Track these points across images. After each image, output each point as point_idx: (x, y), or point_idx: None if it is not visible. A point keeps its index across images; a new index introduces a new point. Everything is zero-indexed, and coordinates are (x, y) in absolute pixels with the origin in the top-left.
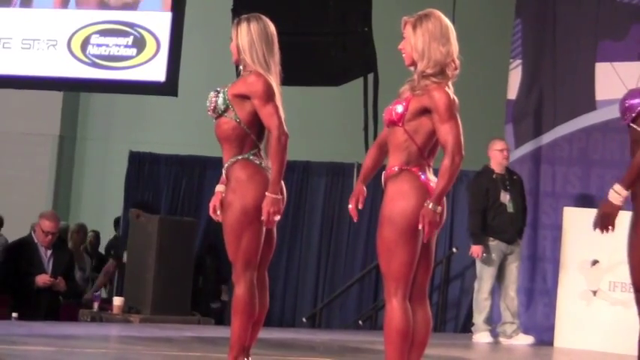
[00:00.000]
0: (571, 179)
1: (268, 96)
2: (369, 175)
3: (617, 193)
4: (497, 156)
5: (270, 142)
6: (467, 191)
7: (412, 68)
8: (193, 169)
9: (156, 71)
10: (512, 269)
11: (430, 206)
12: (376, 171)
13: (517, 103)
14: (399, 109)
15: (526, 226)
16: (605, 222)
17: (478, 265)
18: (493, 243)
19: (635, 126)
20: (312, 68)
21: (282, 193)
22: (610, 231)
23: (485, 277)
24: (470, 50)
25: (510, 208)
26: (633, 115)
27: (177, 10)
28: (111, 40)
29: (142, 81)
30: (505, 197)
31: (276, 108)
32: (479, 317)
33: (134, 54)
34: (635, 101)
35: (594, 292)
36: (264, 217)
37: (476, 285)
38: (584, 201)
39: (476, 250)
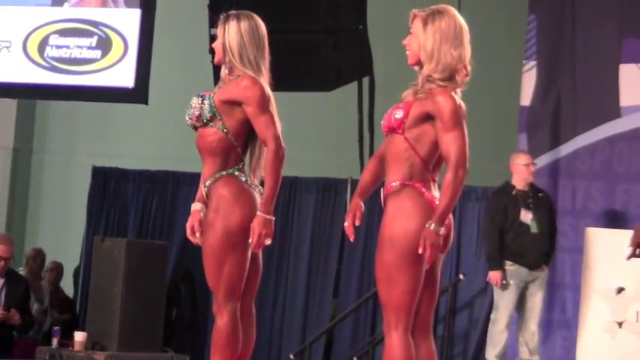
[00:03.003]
0: (593, 195)
1: (265, 103)
2: (368, 190)
3: None
4: (523, 171)
5: (258, 156)
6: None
7: (416, 68)
8: (165, 186)
9: (123, 76)
10: (535, 300)
11: (432, 227)
12: (376, 187)
13: (531, 110)
14: (399, 114)
15: (555, 250)
16: None
17: (495, 293)
18: (512, 268)
19: None
20: (300, 71)
21: None
22: None
23: (501, 307)
24: (477, 50)
25: (534, 229)
26: None
27: (147, 6)
28: (72, 41)
29: (108, 87)
30: (527, 216)
31: (273, 118)
32: (491, 352)
33: (99, 56)
34: None
35: (620, 324)
36: (253, 240)
37: (492, 316)
38: (608, 220)
39: (494, 276)
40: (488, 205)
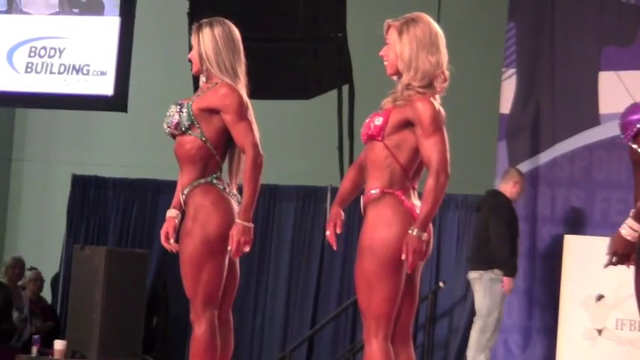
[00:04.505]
0: (573, 203)
1: (243, 111)
2: (347, 198)
3: (632, 230)
4: (519, 193)
5: (237, 163)
6: (491, 214)
7: (395, 78)
8: (145, 194)
9: (102, 84)
10: None
11: (415, 233)
12: (355, 195)
13: (511, 118)
14: (378, 121)
15: None
16: (621, 262)
17: (489, 299)
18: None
19: (634, 146)
20: (280, 79)
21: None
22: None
23: (494, 313)
24: (456, 58)
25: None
26: (631, 133)
27: (127, 14)
28: (51, 49)
29: (87, 95)
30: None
31: (251, 125)
32: (478, 358)
33: (78, 64)
34: (635, 117)
35: (599, 331)
36: (232, 247)
37: (479, 323)
38: (587, 227)
39: (510, 282)
40: (500, 211)
